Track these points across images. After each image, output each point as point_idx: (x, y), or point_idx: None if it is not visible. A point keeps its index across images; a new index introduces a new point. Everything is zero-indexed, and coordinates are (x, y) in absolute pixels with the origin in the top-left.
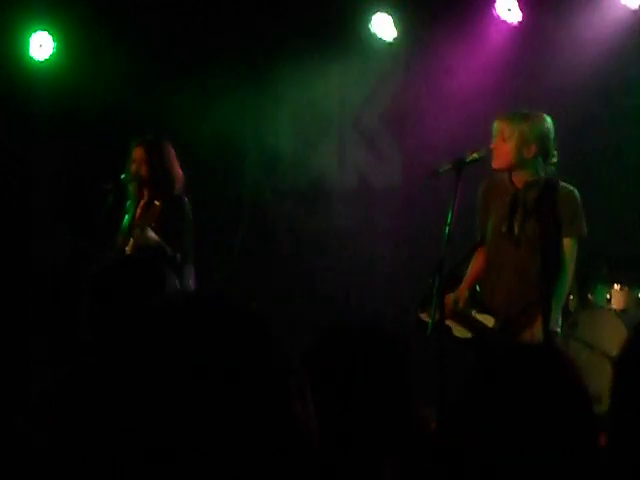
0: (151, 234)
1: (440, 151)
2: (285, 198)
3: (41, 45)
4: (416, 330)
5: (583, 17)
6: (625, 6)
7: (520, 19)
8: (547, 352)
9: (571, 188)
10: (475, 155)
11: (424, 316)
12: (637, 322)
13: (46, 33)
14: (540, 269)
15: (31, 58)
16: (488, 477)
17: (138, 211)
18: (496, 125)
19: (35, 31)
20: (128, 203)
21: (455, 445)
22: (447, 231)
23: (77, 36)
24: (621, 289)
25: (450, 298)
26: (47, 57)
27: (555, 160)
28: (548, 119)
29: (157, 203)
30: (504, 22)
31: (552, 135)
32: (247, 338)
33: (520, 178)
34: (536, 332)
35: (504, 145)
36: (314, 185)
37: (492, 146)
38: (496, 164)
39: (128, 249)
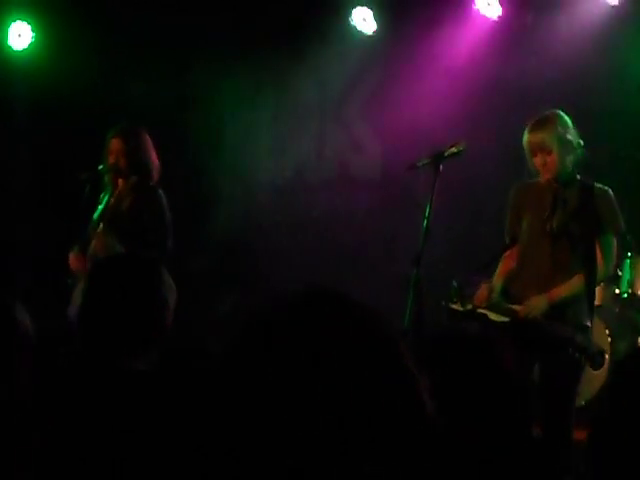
0: (114, 242)
1: (419, 144)
2: (264, 188)
3: (20, 35)
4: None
5: (563, 13)
6: (605, 2)
7: (500, 14)
8: (482, 341)
9: (606, 188)
10: (454, 149)
11: (455, 307)
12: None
13: (25, 23)
14: (583, 265)
15: (9, 48)
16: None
17: (112, 201)
18: (532, 139)
19: (14, 21)
20: (102, 195)
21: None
22: (425, 224)
23: (55, 26)
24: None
25: (485, 289)
26: (25, 47)
27: (582, 144)
28: (563, 113)
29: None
30: (484, 17)
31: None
32: (377, 338)
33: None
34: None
35: (550, 157)
36: (293, 175)
37: (540, 164)
38: (548, 176)
39: (94, 243)
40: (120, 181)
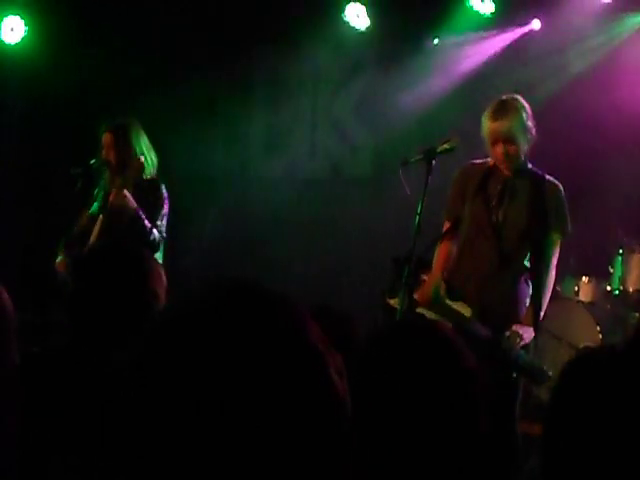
0: (130, 199)
1: (411, 141)
2: (256, 185)
3: (12, 29)
4: (384, 316)
5: (555, 8)
6: None
7: (492, 10)
8: (424, 328)
9: (557, 183)
10: (446, 146)
11: (392, 302)
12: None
13: (18, 17)
14: (531, 261)
15: (2, 42)
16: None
17: (110, 197)
18: (495, 127)
19: (7, 15)
20: (96, 190)
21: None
22: (417, 221)
23: (48, 20)
24: (589, 281)
25: (429, 285)
26: (18, 41)
27: (534, 132)
28: (521, 98)
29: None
30: (476, 13)
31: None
32: (286, 321)
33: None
34: (521, 331)
35: (512, 147)
36: (286, 173)
37: (501, 153)
38: (509, 168)
39: (97, 228)
40: (115, 177)
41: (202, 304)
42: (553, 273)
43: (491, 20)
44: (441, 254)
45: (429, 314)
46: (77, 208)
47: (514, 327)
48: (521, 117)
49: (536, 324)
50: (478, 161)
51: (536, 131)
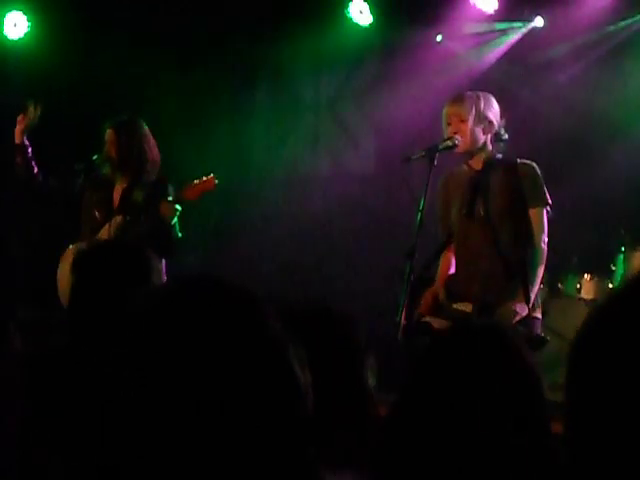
0: (175, 210)
1: (414, 138)
2: (259, 182)
3: (15, 24)
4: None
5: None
6: None
7: (495, 8)
8: (491, 332)
9: (529, 162)
10: (448, 143)
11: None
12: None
13: (20, 12)
14: (513, 245)
15: (5, 37)
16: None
17: (115, 196)
18: (449, 110)
19: (9, 10)
20: (97, 184)
21: (406, 427)
22: (419, 218)
23: (51, 15)
24: (591, 279)
25: (429, 295)
26: (21, 36)
27: (506, 137)
28: (492, 97)
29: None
30: (479, 10)
31: (499, 112)
32: (246, 314)
33: (478, 160)
34: (514, 307)
35: (463, 125)
36: (288, 170)
37: (452, 131)
38: (462, 147)
39: (107, 231)
40: (118, 174)
41: (167, 299)
42: (543, 247)
43: (494, 17)
44: (443, 266)
45: (434, 321)
46: (78, 204)
47: (507, 304)
48: (476, 103)
49: (527, 300)
50: (455, 169)
51: (537, 129)
